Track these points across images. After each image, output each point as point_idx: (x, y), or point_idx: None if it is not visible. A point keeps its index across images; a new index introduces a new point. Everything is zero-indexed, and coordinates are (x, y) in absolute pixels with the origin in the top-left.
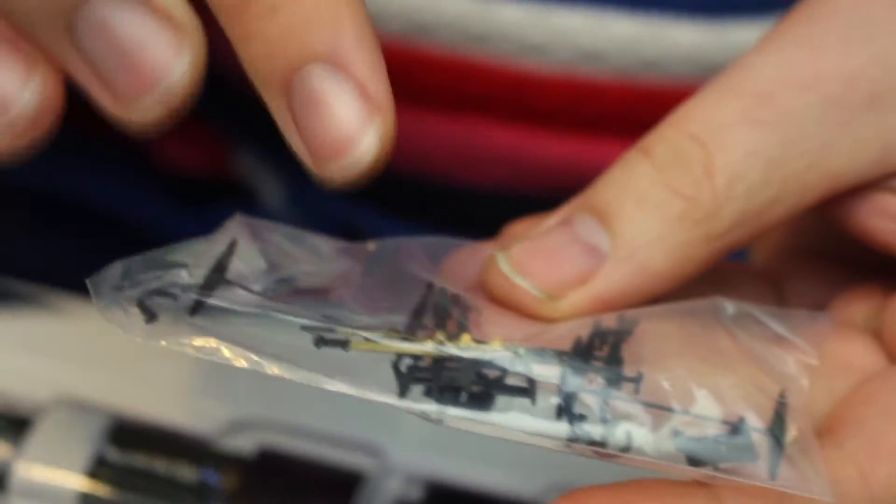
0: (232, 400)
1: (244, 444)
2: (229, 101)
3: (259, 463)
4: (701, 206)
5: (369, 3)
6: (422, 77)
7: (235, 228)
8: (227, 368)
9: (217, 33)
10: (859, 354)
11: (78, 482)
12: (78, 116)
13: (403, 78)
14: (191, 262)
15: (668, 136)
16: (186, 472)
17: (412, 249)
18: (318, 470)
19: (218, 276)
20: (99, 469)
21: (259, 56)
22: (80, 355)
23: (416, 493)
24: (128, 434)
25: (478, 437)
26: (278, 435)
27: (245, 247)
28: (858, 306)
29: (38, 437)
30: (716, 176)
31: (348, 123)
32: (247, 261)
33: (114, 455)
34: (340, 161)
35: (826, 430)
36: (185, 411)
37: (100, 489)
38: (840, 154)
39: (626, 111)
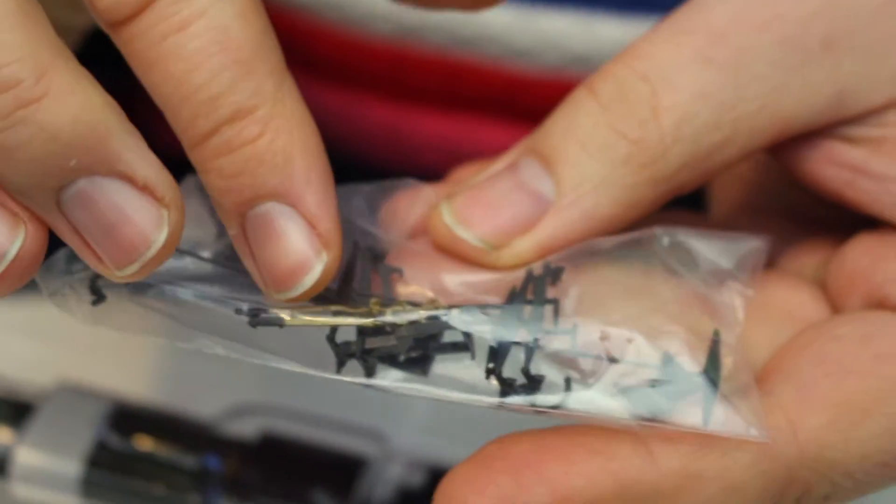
0: (233, 385)
1: (246, 429)
2: None
3: (261, 448)
4: (647, 149)
5: (359, 4)
6: (412, 77)
7: (187, 191)
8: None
9: None
10: (802, 304)
11: (79, 467)
12: None
13: (394, 77)
14: None
15: (616, 73)
16: (188, 457)
17: (355, 200)
18: (320, 455)
19: None
20: (100, 454)
21: (216, 188)
22: (82, 341)
23: (417, 477)
24: (129, 419)
25: (478, 422)
26: (280, 420)
27: (195, 210)
28: (807, 258)
29: (40, 423)
30: (663, 117)
31: (298, 257)
32: (196, 226)
33: (115, 440)
34: (289, 289)
35: (758, 379)
36: (187, 396)
37: (101, 474)
38: (792, 97)
39: None
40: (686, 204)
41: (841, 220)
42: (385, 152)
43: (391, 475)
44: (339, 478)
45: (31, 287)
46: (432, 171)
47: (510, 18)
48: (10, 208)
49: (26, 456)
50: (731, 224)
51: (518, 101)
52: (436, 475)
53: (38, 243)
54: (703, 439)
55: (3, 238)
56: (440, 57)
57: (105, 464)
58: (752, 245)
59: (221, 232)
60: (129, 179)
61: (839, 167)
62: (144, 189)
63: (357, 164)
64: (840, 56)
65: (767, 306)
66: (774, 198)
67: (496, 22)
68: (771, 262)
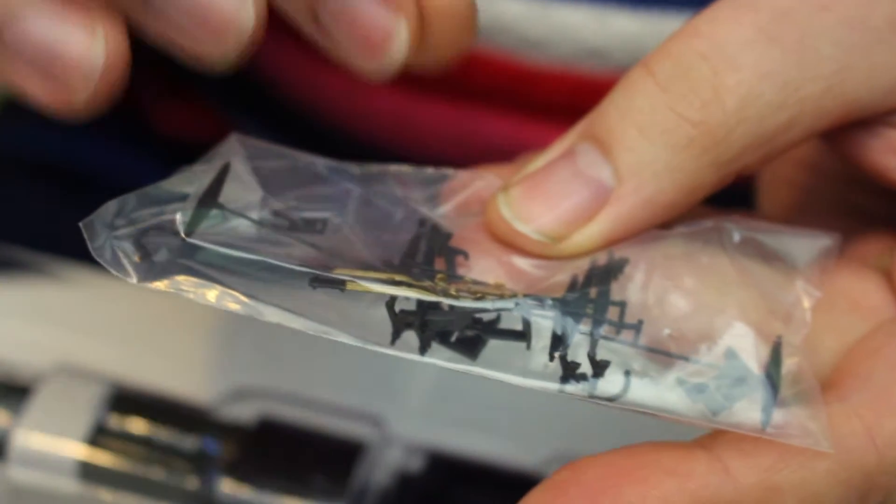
0: (232, 369)
1: (244, 413)
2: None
3: (259, 432)
4: (710, 132)
5: None
6: None
7: (231, 151)
8: (228, 337)
9: None
10: (868, 293)
11: (77, 450)
12: None
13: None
14: (189, 191)
15: (674, 52)
16: (186, 441)
17: (406, 178)
18: (319, 439)
19: (212, 205)
20: (98, 437)
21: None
22: (81, 323)
23: (416, 462)
24: (127, 402)
25: (479, 407)
26: (279, 404)
27: (240, 173)
28: (869, 248)
29: (38, 405)
30: (726, 97)
31: (381, 22)
32: (242, 188)
33: (113, 423)
34: (384, 54)
35: (830, 384)
36: (186, 380)
37: (99, 457)
38: (857, 79)
39: None
40: (727, 205)
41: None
42: (392, 139)
43: (390, 460)
44: (338, 462)
45: (29, 268)
46: (440, 159)
47: (524, 9)
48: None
49: (24, 439)
50: (783, 218)
51: (529, 93)
52: (435, 460)
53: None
54: (780, 452)
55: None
56: None
57: (104, 447)
58: (823, 243)
59: (268, 195)
60: None
61: None
62: (66, 5)
63: (363, 149)
64: None
65: (832, 295)
66: (826, 199)
67: (510, 12)
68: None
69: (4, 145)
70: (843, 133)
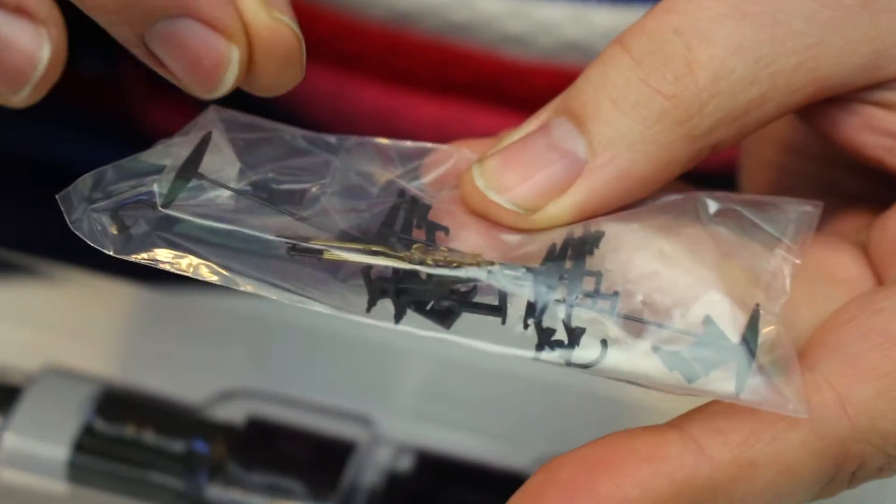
0: (221, 369)
1: (233, 414)
2: None
3: (248, 433)
4: (683, 105)
5: None
6: (405, 62)
7: (209, 122)
8: (216, 337)
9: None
10: (845, 266)
11: (65, 452)
12: (66, 87)
13: (387, 62)
14: (167, 163)
15: (649, 28)
16: (175, 442)
17: (385, 150)
18: (307, 440)
19: (190, 177)
20: (87, 439)
21: (108, 22)
22: (70, 325)
23: (405, 462)
24: (116, 404)
25: (468, 407)
26: (267, 405)
27: (219, 144)
28: (848, 223)
29: (26, 407)
30: (699, 71)
31: (211, 59)
32: (221, 159)
33: (102, 425)
34: (216, 87)
35: (803, 354)
36: (174, 381)
37: (88, 459)
38: (829, 54)
39: None
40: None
41: (876, 195)
42: (380, 136)
43: (379, 460)
44: (327, 463)
45: (17, 269)
46: None
47: (504, 5)
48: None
49: (12, 440)
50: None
51: (511, 88)
52: (423, 459)
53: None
54: (753, 426)
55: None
56: (433, 42)
57: (92, 448)
58: (803, 210)
59: (246, 167)
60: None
61: (878, 134)
62: (18, 11)
63: None
64: (877, 14)
65: (809, 268)
66: (805, 179)
67: (490, 9)
68: None
69: None
70: (818, 110)
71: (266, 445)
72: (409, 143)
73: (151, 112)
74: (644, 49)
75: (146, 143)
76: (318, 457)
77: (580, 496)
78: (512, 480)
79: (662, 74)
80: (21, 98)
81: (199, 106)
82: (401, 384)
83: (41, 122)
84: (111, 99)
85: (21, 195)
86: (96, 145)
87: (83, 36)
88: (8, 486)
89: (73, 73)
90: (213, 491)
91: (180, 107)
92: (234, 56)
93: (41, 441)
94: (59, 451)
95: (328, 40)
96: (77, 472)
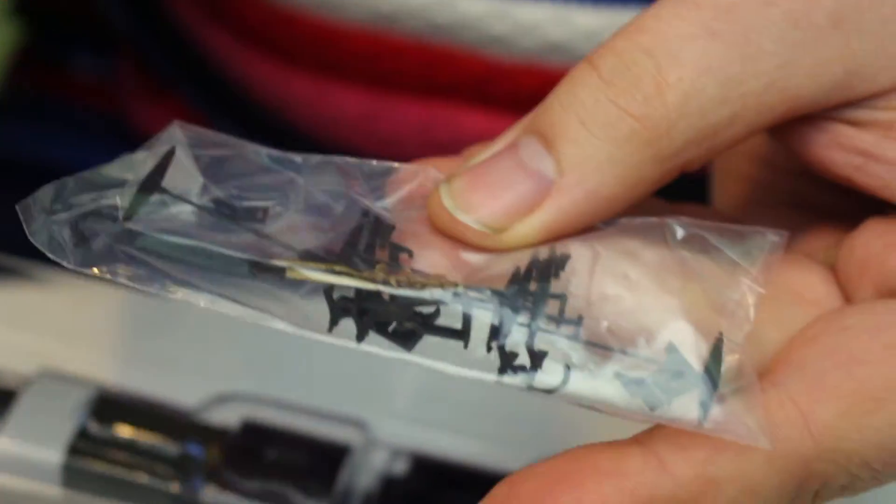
0: (216, 373)
1: (228, 417)
2: (203, 78)
3: (242, 436)
4: (651, 126)
5: None
6: (388, 64)
7: (173, 138)
8: (211, 341)
9: (196, 19)
10: (812, 286)
11: (60, 455)
12: (58, 85)
13: (370, 65)
14: (129, 177)
15: (618, 47)
16: (170, 445)
17: (350, 170)
18: (302, 443)
19: (153, 191)
20: (81, 442)
21: None
22: (64, 328)
23: (401, 466)
24: (110, 407)
25: (462, 411)
26: (262, 408)
27: (182, 160)
28: (816, 242)
29: (20, 411)
30: (668, 92)
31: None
32: (184, 175)
33: (96, 428)
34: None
35: (767, 371)
36: (169, 385)
37: (82, 462)
38: (800, 75)
39: None
40: (686, 198)
41: (846, 210)
42: (361, 140)
43: (374, 463)
44: (322, 466)
45: (11, 273)
46: (409, 158)
47: (486, 6)
48: None
49: (6, 444)
50: (736, 218)
51: (494, 88)
52: (418, 463)
53: None
54: (715, 443)
55: None
56: (416, 44)
57: (86, 452)
58: (768, 240)
59: (209, 183)
60: None
61: (848, 152)
62: None
63: (332, 151)
64: (848, 34)
65: (777, 288)
66: (776, 192)
67: (473, 10)
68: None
69: None
70: (788, 128)
71: (261, 449)
72: (374, 162)
73: (145, 112)
74: (613, 69)
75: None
76: (312, 461)
77: None
78: None
79: (632, 95)
80: None
81: (190, 108)
82: (395, 388)
83: (34, 123)
84: (105, 99)
85: (13, 197)
86: (89, 146)
87: (77, 36)
88: (2, 490)
89: (66, 74)
90: (208, 495)
91: (173, 107)
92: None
93: (35, 445)
94: (53, 454)
95: (309, 45)
96: (71, 475)
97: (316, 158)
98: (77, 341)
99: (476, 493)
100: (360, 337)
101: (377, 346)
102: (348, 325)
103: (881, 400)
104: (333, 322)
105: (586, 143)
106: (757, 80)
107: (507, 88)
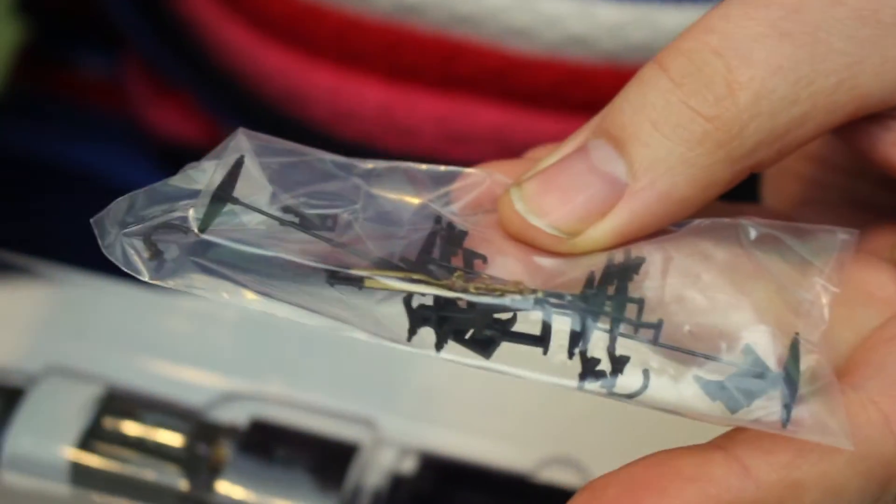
0: (224, 371)
1: (237, 415)
2: (210, 75)
3: (251, 434)
4: (724, 127)
5: None
6: (409, 56)
7: (239, 146)
8: (219, 339)
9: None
10: (882, 284)
11: (69, 453)
12: (77, 88)
13: (391, 57)
14: (199, 187)
15: (687, 48)
16: (177, 444)
17: (416, 175)
18: (311, 441)
19: (225, 201)
20: (90, 440)
21: None
22: (73, 326)
23: (409, 464)
24: (119, 405)
25: (471, 409)
26: (271, 407)
27: (250, 169)
28: (881, 240)
29: (29, 409)
30: (739, 93)
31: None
32: (253, 184)
33: (105, 426)
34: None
35: (845, 373)
36: (177, 382)
37: (91, 460)
38: (868, 73)
39: (614, 94)
40: (734, 196)
41: None
42: (378, 131)
43: (383, 461)
44: (331, 465)
45: (21, 271)
46: (429, 150)
47: None
48: None
49: (15, 443)
50: (798, 217)
51: (512, 81)
52: (427, 461)
53: None
54: (798, 447)
55: None
56: (438, 35)
57: (95, 450)
58: (839, 238)
59: (277, 192)
60: None
61: None
62: None
63: (352, 143)
64: None
65: (847, 287)
66: (833, 191)
67: (494, 2)
68: None
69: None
70: (855, 127)
71: (269, 447)
72: (441, 168)
73: (153, 111)
74: (683, 70)
75: (146, 142)
76: (321, 459)
77: None
78: (515, 482)
79: (703, 96)
80: None
81: (196, 105)
82: (404, 386)
83: (42, 122)
84: (111, 97)
85: (22, 196)
86: (95, 144)
87: (82, 35)
88: (11, 488)
89: (72, 72)
90: (216, 493)
91: (180, 106)
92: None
93: (44, 443)
94: (61, 452)
95: (330, 36)
96: (80, 474)
97: (382, 164)
98: (85, 339)
99: (484, 491)
100: (440, 345)
101: (455, 355)
102: (427, 333)
103: None
104: (412, 331)
105: (658, 146)
106: (826, 79)
107: (525, 81)
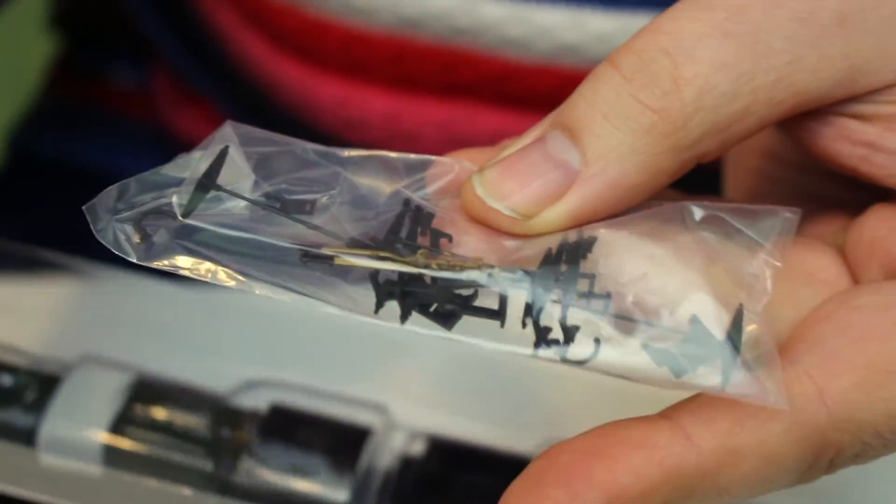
0: (246, 361)
1: (257, 401)
2: (233, 84)
3: (271, 419)
4: (669, 119)
5: None
6: (411, 67)
7: (226, 137)
8: (242, 330)
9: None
10: (823, 267)
11: (102, 437)
12: (96, 95)
13: (394, 68)
14: (186, 176)
15: (638, 47)
16: (203, 427)
17: (391, 162)
18: (326, 426)
19: (208, 188)
20: (121, 424)
21: None
22: (104, 318)
23: (418, 447)
24: (148, 392)
25: (477, 396)
26: (290, 393)
27: (235, 158)
28: (826, 227)
29: (65, 396)
30: (684, 87)
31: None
32: (237, 172)
33: (135, 412)
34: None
35: (783, 349)
36: (202, 371)
37: (122, 443)
38: (807, 71)
39: None
40: (700, 192)
41: (851, 200)
42: (384, 137)
43: (394, 445)
44: (344, 447)
45: (56, 267)
46: (432, 153)
47: (503, 11)
48: None
49: (51, 427)
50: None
51: (511, 88)
52: (435, 444)
53: None
54: (737, 416)
55: None
56: (438, 47)
57: (126, 434)
58: (783, 217)
59: (260, 179)
60: None
61: (854, 144)
62: None
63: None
64: (851, 32)
65: (791, 269)
66: (785, 185)
67: (491, 14)
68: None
69: (27, 150)
70: (797, 122)
71: (288, 431)
72: (413, 156)
73: (180, 119)
74: (633, 67)
75: (175, 149)
76: (336, 442)
77: (576, 481)
78: (517, 464)
79: (651, 90)
80: None
81: (221, 113)
82: (414, 374)
83: (74, 130)
84: (140, 107)
85: (60, 199)
86: (128, 151)
87: (113, 47)
88: (47, 469)
89: (104, 84)
90: (239, 473)
91: (207, 115)
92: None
93: (78, 427)
94: (95, 436)
95: (338, 49)
96: (112, 455)
97: (359, 153)
98: (117, 330)
99: (489, 472)
100: (405, 317)
101: (419, 327)
102: (393, 307)
103: (891, 373)
104: (379, 304)
105: (609, 136)
106: (767, 76)
107: (522, 88)
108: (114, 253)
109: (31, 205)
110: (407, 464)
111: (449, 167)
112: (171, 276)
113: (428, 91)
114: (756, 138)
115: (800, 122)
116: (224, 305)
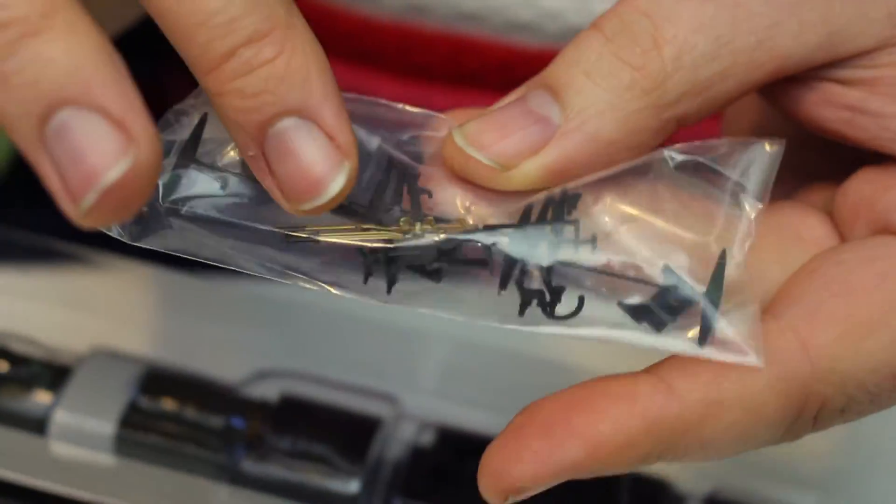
0: (256, 352)
1: (267, 392)
2: None
3: (281, 409)
4: (649, 76)
5: None
6: (419, 54)
7: (206, 103)
8: (252, 321)
9: None
10: (811, 227)
11: (112, 427)
12: None
13: (401, 54)
14: (174, 138)
15: (620, 11)
16: (213, 418)
17: (379, 113)
18: (337, 416)
19: (189, 164)
20: (132, 415)
21: (236, 109)
22: (116, 309)
23: (428, 437)
24: (159, 382)
25: (485, 387)
26: (300, 384)
27: (215, 125)
28: (814, 194)
29: (76, 386)
30: (664, 47)
31: (322, 167)
32: (217, 142)
33: (146, 402)
34: (310, 201)
35: (770, 306)
36: (213, 362)
37: (133, 433)
38: (786, 35)
39: None
40: None
41: (843, 173)
42: None
43: (403, 435)
44: (355, 438)
45: (67, 258)
46: None
47: None
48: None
49: (63, 416)
50: None
51: (519, 73)
52: (444, 435)
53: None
54: (719, 369)
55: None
56: (445, 32)
57: (137, 424)
58: (765, 151)
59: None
60: (105, 112)
61: (837, 108)
62: (118, 124)
63: None
64: None
65: (779, 229)
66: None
67: None
68: (783, 196)
69: None
70: (780, 88)
71: (299, 422)
72: (410, 109)
73: None
74: (615, 28)
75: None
76: (346, 432)
77: (556, 431)
78: None
79: (631, 49)
80: (83, 209)
81: None
82: (424, 365)
83: None
84: (152, 104)
85: None
86: None
87: (124, 45)
88: (59, 458)
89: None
90: (249, 463)
91: None
92: (341, 176)
93: (90, 417)
94: (106, 426)
95: (345, 38)
96: (123, 445)
97: (350, 96)
98: (128, 321)
99: None
100: (390, 286)
101: (408, 288)
102: (380, 273)
103: (874, 324)
104: (368, 273)
105: (590, 93)
106: (746, 39)
107: (531, 73)
108: (126, 246)
109: (44, 194)
110: (417, 454)
111: (441, 123)
112: (182, 266)
113: (435, 79)
114: (748, 116)
115: (783, 88)
116: (235, 296)
